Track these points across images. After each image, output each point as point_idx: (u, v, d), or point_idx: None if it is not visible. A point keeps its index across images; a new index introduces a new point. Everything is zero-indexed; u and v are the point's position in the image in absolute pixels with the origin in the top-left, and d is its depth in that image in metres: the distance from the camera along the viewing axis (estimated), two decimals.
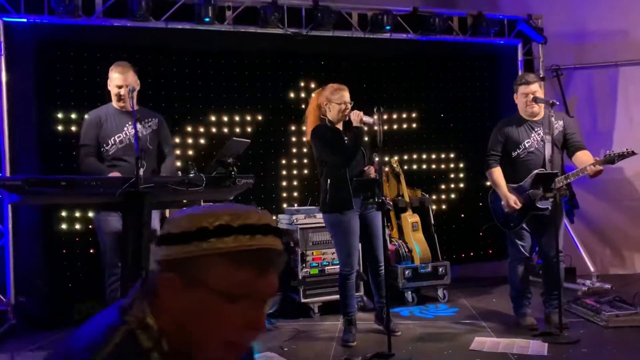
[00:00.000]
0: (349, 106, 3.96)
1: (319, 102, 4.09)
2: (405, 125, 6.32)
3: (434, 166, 6.46)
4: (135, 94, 3.83)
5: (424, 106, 6.40)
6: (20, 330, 4.58)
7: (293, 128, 5.93)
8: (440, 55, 6.42)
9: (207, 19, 5.27)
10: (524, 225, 4.13)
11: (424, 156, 6.42)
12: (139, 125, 3.93)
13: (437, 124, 6.49)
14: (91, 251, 4.97)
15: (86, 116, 4.08)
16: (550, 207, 3.96)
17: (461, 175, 6.53)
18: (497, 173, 4.15)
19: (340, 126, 4.09)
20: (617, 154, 3.84)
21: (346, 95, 4.02)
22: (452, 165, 6.52)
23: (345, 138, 4.02)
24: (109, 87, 3.98)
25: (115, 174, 3.69)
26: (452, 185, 6.51)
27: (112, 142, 3.93)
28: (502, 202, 4.11)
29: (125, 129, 3.95)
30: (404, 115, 6.34)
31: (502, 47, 6.56)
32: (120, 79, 3.89)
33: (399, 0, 6.08)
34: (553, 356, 3.55)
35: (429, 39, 6.10)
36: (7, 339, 4.35)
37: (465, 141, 6.53)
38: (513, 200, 4.02)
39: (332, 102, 4.01)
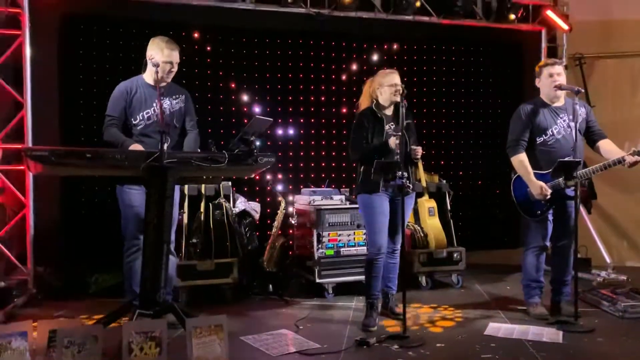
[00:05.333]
0: (400, 89, 3.98)
1: (372, 87, 4.14)
2: (425, 110, 6.27)
3: (452, 152, 6.42)
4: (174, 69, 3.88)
5: (444, 90, 6.36)
6: (39, 300, 4.68)
7: (312, 109, 5.94)
8: (463, 39, 6.35)
9: None
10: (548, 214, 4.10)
11: (443, 141, 6.38)
12: (168, 101, 3.95)
13: (458, 109, 6.45)
14: (110, 223, 5.03)
15: (117, 87, 3.94)
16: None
17: (480, 161, 6.49)
18: (525, 159, 4.05)
19: (389, 111, 4.13)
20: None
21: (397, 78, 4.06)
22: (470, 152, 6.48)
23: (388, 126, 4.04)
24: (154, 59, 3.77)
25: (136, 145, 3.70)
26: (470, 172, 6.48)
27: (140, 118, 3.86)
28: (529, 189, 4.06)
29: (154, 104, 3.84)
30: (424, 100, 6.29)
31: (526, 34, 6.47)
32: (172, 56, 3.82)
33: None
34: (568, 344, 3.54)
35: (452, 23, 6.04)
36: (27, 308, 4.44)
37: (485, 127, 6.49)
38: (545, 188, 3.95)
39: (383, 85, 4.07)
